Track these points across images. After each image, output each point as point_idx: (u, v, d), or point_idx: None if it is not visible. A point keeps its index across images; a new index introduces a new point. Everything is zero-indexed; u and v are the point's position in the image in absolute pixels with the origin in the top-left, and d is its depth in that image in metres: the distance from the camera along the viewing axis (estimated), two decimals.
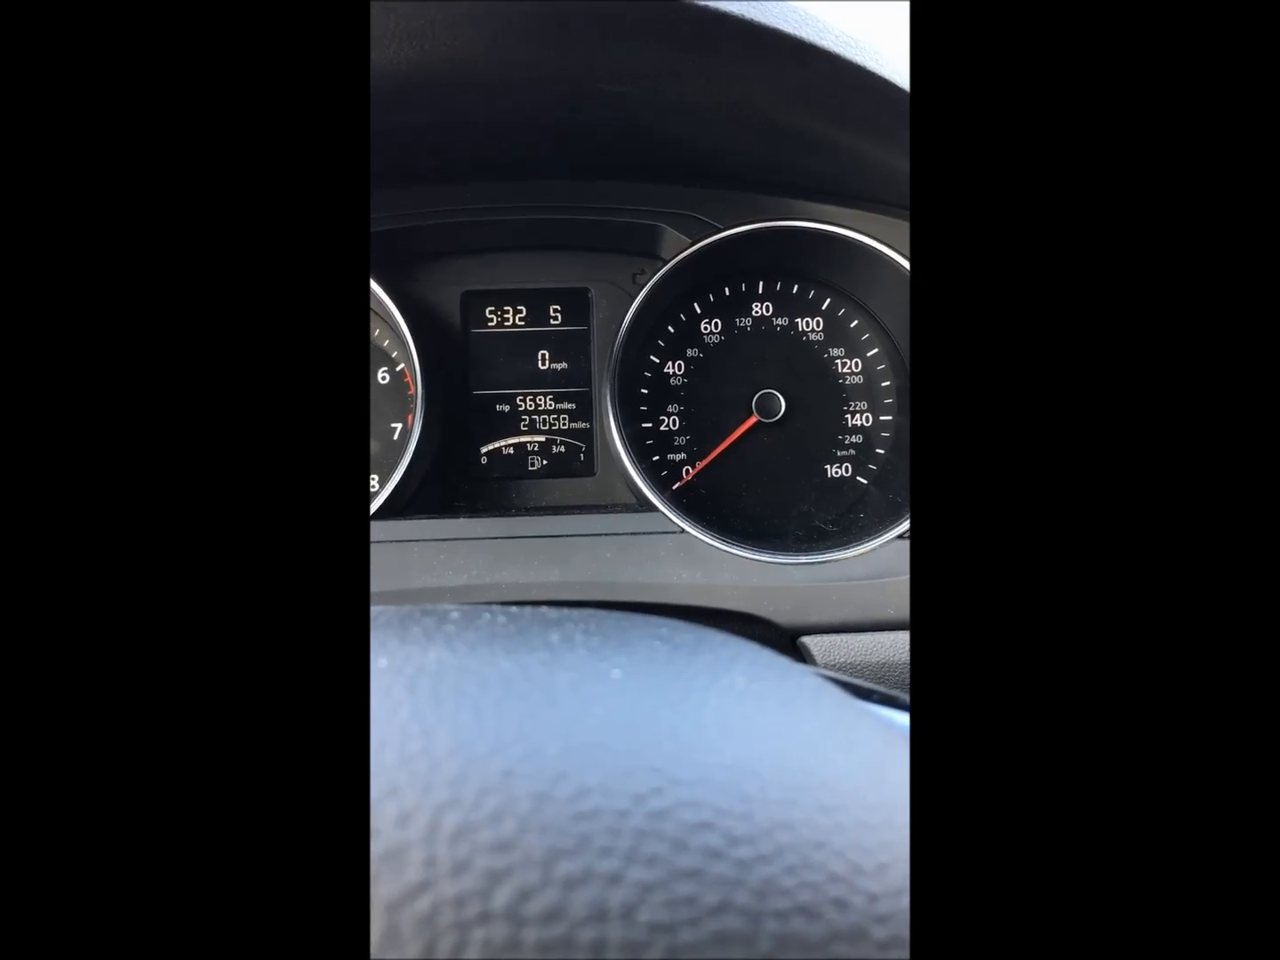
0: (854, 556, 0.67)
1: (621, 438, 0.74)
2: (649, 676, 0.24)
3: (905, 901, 0.18)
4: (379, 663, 0.22)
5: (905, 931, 0.18)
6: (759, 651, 0.26)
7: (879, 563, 0.67)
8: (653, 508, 0.71)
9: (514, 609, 0.28)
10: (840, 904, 0.18)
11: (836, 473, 0.81)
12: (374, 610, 0.25)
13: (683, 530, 0.70)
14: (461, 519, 0.71)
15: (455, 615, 0.27)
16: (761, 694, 0.24)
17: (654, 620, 0.28)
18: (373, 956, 0.16)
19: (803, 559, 0.67)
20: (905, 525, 0.68)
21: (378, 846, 0.17)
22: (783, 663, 0.26)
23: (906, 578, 0.65)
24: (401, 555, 0.67)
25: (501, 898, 0.17)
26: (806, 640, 0.65)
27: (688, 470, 0.80)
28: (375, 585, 0.65)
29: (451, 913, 0.16)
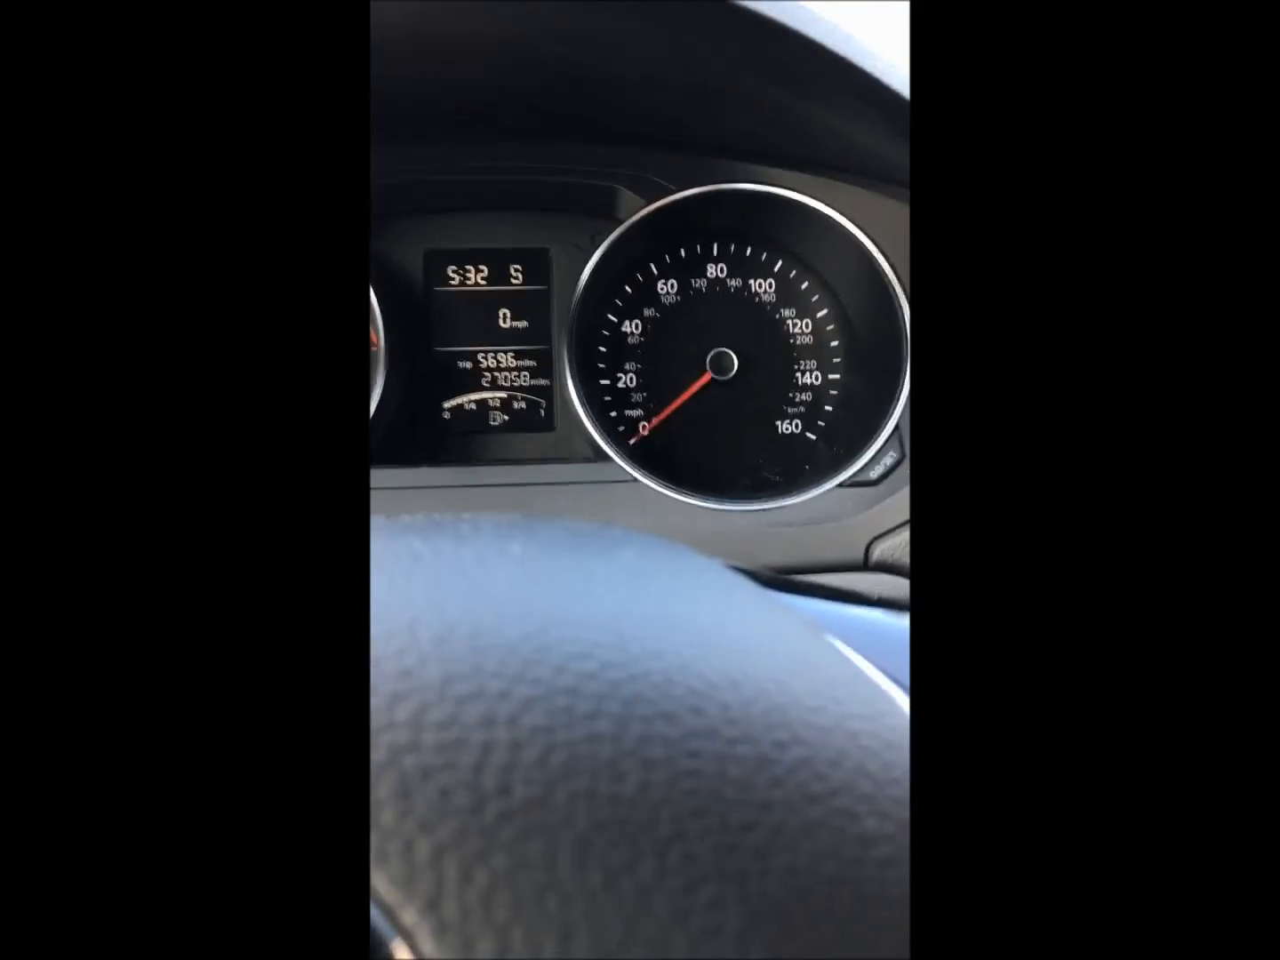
0: (797, 504, 0.70)
1: (579, 394, 0.76)
2: (547, 555, 0.27)
3: (751, 703, 0.21)
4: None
5: (753, 727, 0.21)
6: (656, 538, 0.29)
7: (820, 509, 0.70)
8: (609, 459, 0.74)
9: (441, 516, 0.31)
10: (696, 711, 0.21)
11: (787, 429, 0.84)
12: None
13: (636, 480, 0.73)
14: (423, 469, 0.74)
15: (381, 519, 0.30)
16: (652, 565, 0.27)
17: (561, 520, 0.31)
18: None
19: (748, 506, 0.70)
20: (846, 474, 0.71)
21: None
22: (679, 547, 0.29)
23: (844, 522, 0.69)
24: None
25: (402, 712, 0.20)
26: None
27: (644, 425, 0.83)
28: None
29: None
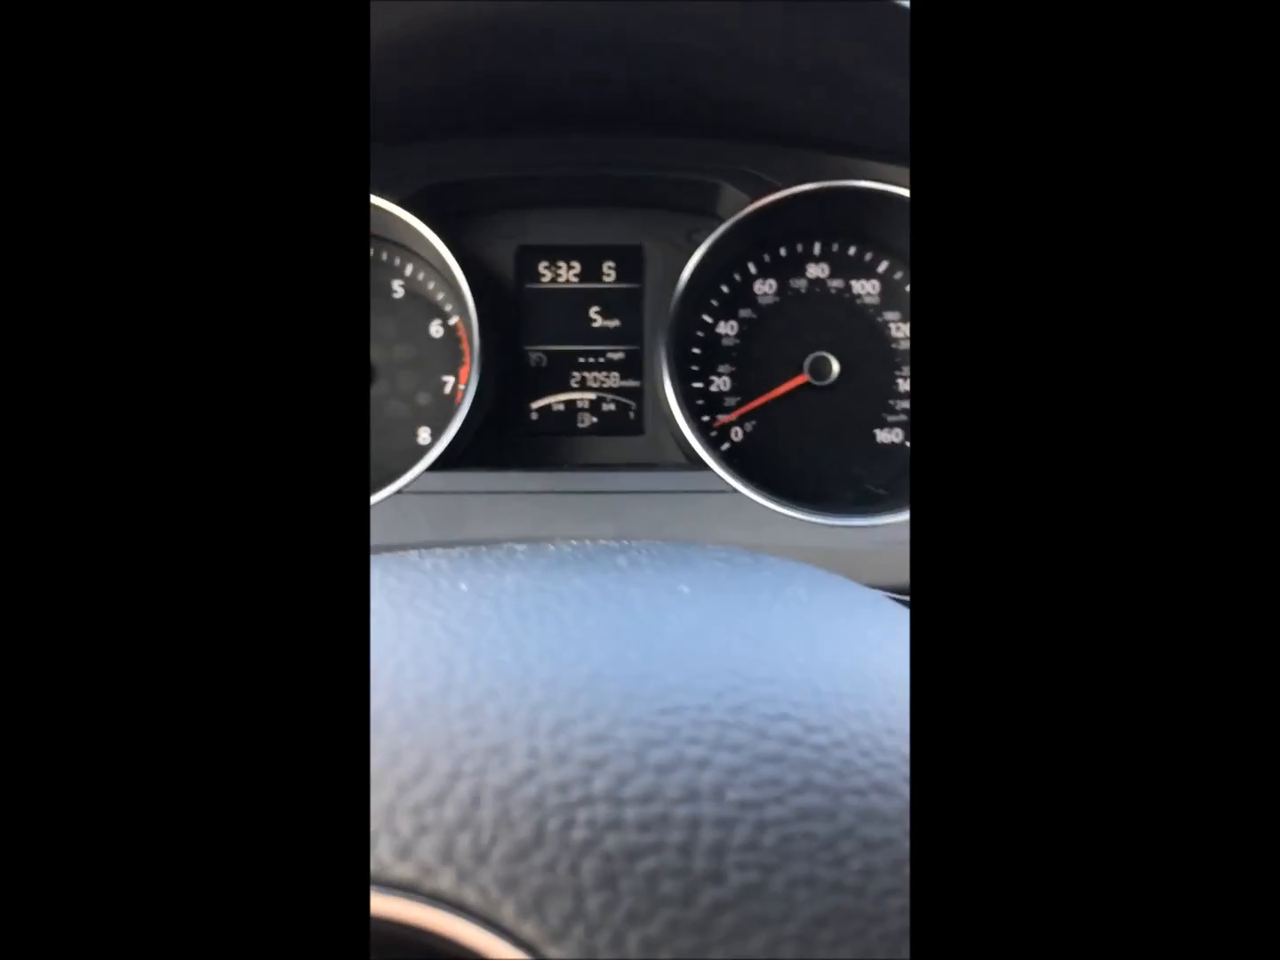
0: (905, 521, 0.67)
1: (674, 396, 0.74)
2: (715, 591, 0.24)
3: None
4: (459, 586, 0.23)
5: None
6: (814, 569, 0.27)
7: None
8: (703, 466, 0.72)
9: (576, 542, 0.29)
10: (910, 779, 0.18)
11: (888, 438, 0.81)
12: (449, 551, 0.26)
13: (733, 490, 0.70)
14: (514, 473, 0.72)
15: (521, 547, 0.27)
16: (823, 601, 0.24)
17: (710, 547, 0.29)
18: (487, 840, 0.17)
19: (854, 521, 0.67)
20: None
21: (480, 742, 0.18)
22: (837, 578, 0.26)
23: None
24: (458, 506, 0.68)
25: (600, 782, 0.17)
26: None
27: (735, 431, 0.80)
28: (431, 534, 0.67)
29: (556, 796, 0.17)
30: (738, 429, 0.81)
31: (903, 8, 0.58)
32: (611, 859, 0.17)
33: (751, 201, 0.73)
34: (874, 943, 0.17)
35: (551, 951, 0.16)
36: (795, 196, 0.73)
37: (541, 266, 0.81)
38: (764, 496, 0.69)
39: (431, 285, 0.79)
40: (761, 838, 0.17)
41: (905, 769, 0.19)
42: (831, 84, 0.68)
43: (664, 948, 0.16)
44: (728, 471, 0.71)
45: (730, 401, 0.81)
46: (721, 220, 0.75)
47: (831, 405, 0.80)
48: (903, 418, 0.81)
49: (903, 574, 0.65)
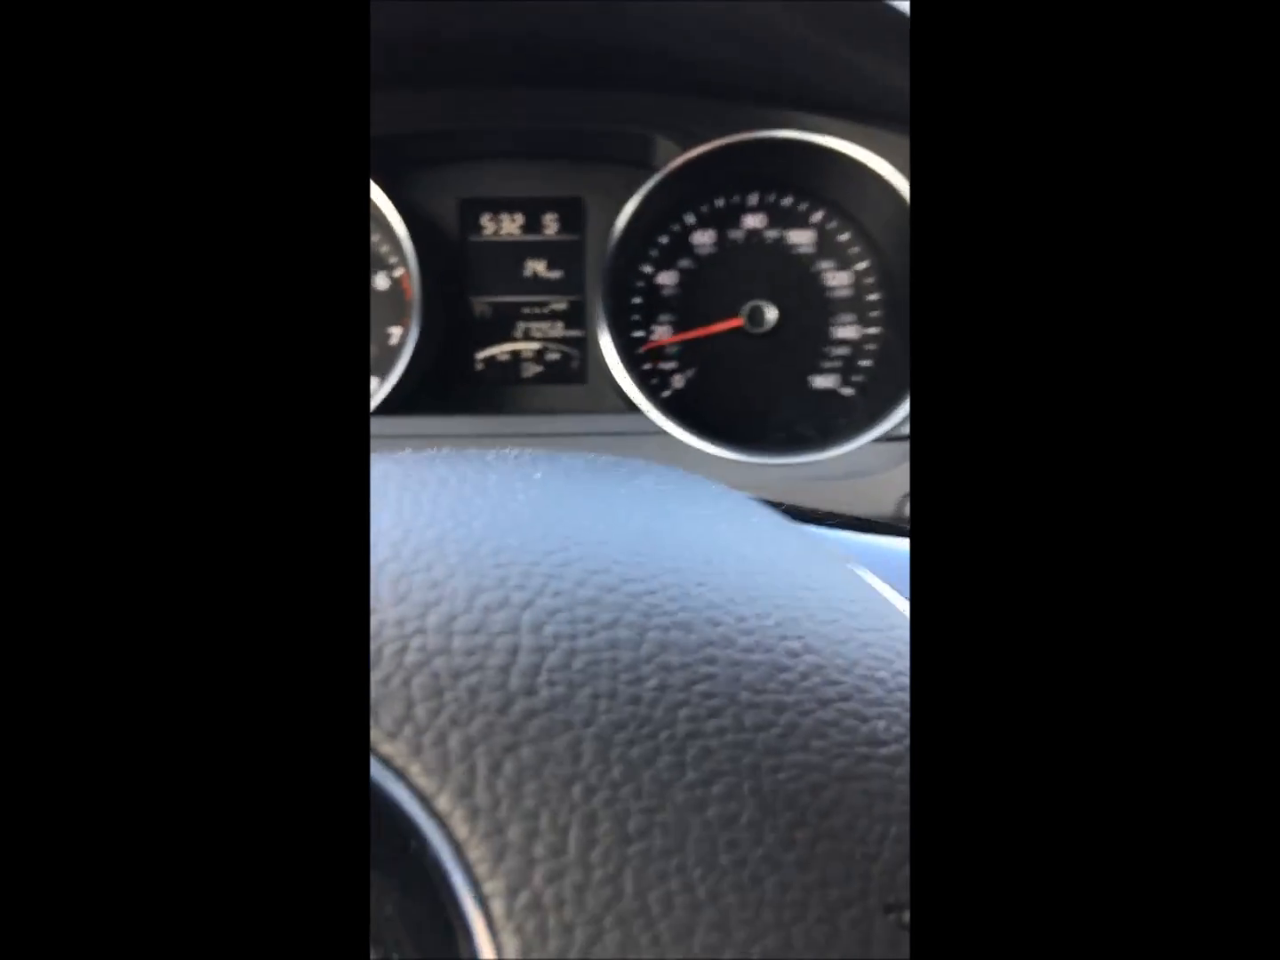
0: (831, 458, 0.70)
1: (612, 345, 0.76)
2: (566, 478, 0.27)
3: (765, 615, 0.22)
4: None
5: (767, 636, 0.21)
6: (677, 470, 0.30)
7: (853, 464, 0.69)
8: (641, 412, 0.74)
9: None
10: (712, 621, 0.21)
11: (823, 383, 0.83)
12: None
13: (667, 433, 0.72)
14: (456, 418, 0.75)
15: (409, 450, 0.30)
16: (668, 489, 0.27)
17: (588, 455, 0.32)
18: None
19: (781, 460, 0.70)
20: (880, 429, 0.70)
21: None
22: (697, 477, 0.29)
23: (881, 477, 0.68)
24: (400, 449, 0.70)
25: (432, 618, 0.20)
26: None
27: (677, 378, 0.83)
28: None
29: (393, 629, 0.20)
30: (678, 376, 0.83)
31: None
32: (438, 676, 0.19)
33: (682, 153, 0.75)
34: (662, 743, 0.19)
35: (384, 748, 0.19)
36: (725, 148, 0.75)
37: (484, 219, 0.83)
38: (696, 438, 0.71)
39: (376, 238, 0.81)
40: (571, 661, 0.20)
41: (710, 613, 0.21)
42: (758, 37, 0.70)
43: (480, 744, 0.19)
44: (664, 416, 0.73)
45: (671, 350, 0.83)
46: (656, 172, 0.77)
47: (769, 352, 0.83)
48: (837, 364, 0.83)
49: (823, 507, 0.68)
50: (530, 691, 0.19)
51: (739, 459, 0.70)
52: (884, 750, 0.20)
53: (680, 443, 0.72)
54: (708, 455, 0.71)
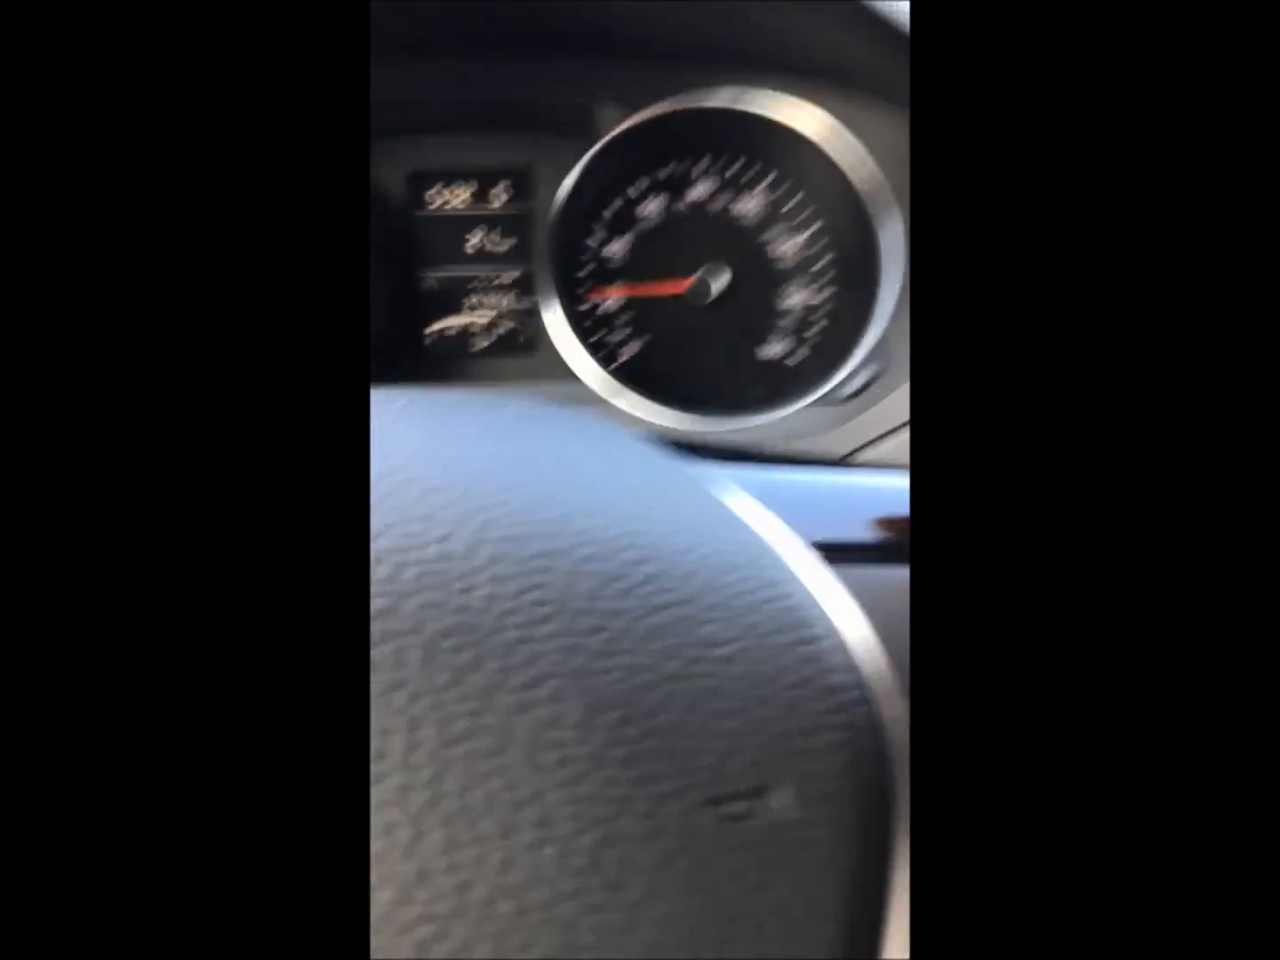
0: (773, 422, 0.70)
1: (560, 316, 0.76)
2: (437, 406, 0.27)
3: (606, 528, 0.22)
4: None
5: (606, 548, 0.21)
6: (554, 405, 0.30)
7: (795, 426, 0.69)
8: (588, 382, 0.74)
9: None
10: (550, 535, 0.22)
11: (775, 350, 0.83)
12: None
13: (613, 402, 0.73)
14: (403, 389, 0.75)
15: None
16: (533, 418, 0.27)
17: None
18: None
19: (724, 425, 0.70)
20: (821, 391, 0.70)
21: None
22: (566, 410, 0.29)
23: (819, 439, 0.68)
24: None
25: None
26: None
27: (626, 349, 0.83)
28: None
29: None
30: (628, 346, 0.83)
31: None
32: None
33: (625, 121, 0.75)
34: (489, 649, 0.19)
35: None
36: (668, 115, 0.75)
37: (432, 191, 0.83)
38: (642, 408, 0.72)
39: None
40: (400, 573, 0.20)
41: (548, 527, 0.22)
42: (704, 7, 0.70)
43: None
44: (610, 386, 0.73)
45: (621, 320, 0.83)
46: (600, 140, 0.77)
47: (718, 320, 0.83)
48: (788, 330, 0.83)
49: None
50: None
51: (682, 424, 0.70)
52: (718, 651, 0.20)
53: (624, 412, 0.72)
54: (653, 423, 0.71)
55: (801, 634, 0.21)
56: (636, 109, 0.75)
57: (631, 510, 0.23)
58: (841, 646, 0.22)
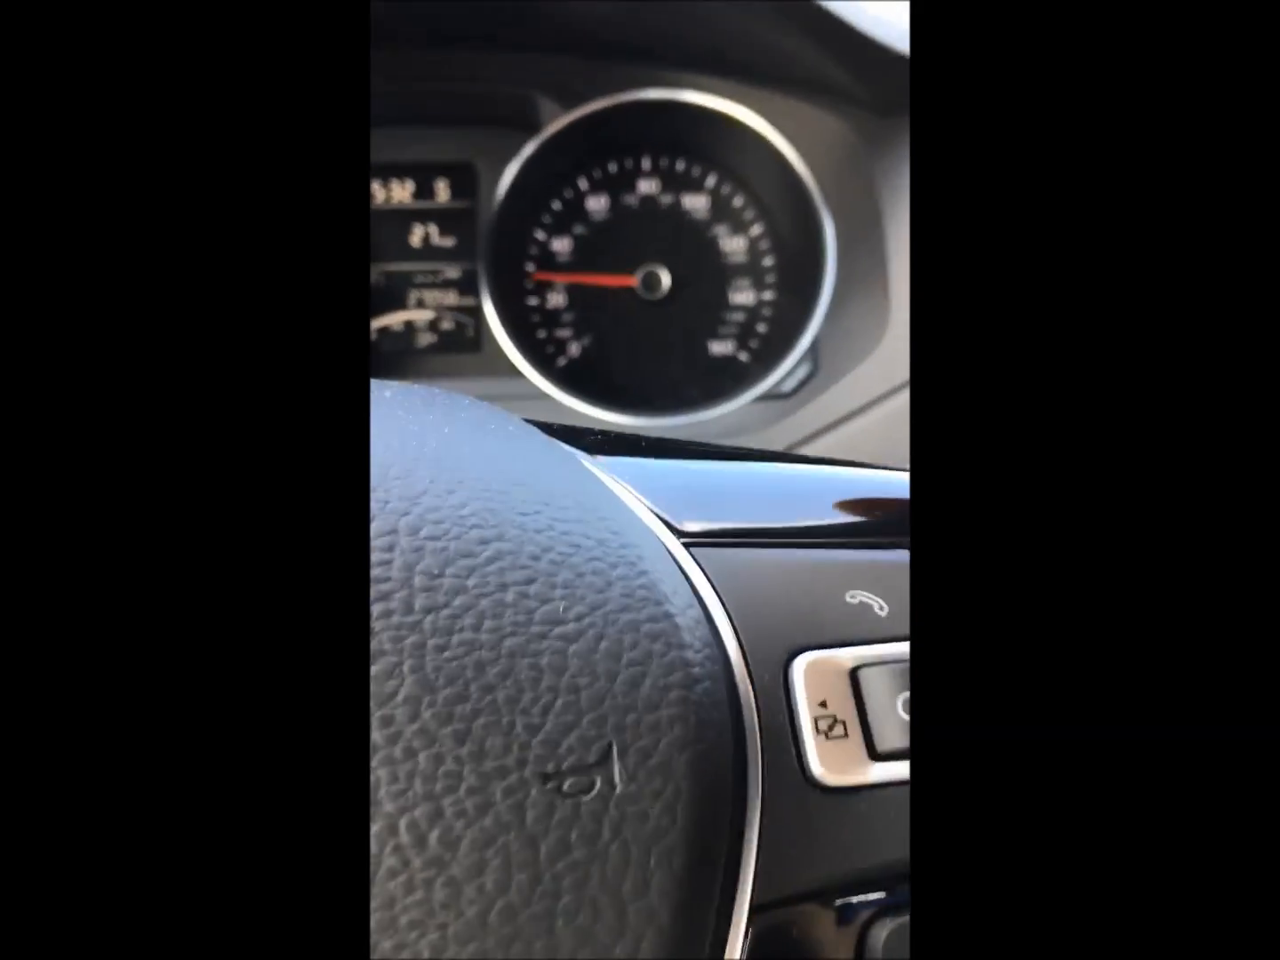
0: (714, 417, 0.70)
1: (498, 315, 0.76)
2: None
3: (461, 506, 0.22)
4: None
5: (458, 526, 0.21)
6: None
7: (735, 422, 0.70)
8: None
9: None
10: (402, 513, 0.21)
11: (720, 349, 0.84)
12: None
13: (554, 398, 0.73)
14: None
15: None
16: (427, 405, 0.27)
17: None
18: None
19: (665, 421, 0.70)
20: (761, 388, 0.71)
21: None
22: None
23: (758, 434, 0.69)
24: None
25: None
26: None
27: (573, 346, 0.83)
28: None
29: None
30: (574, 344, 0.83)
31: None
32: None
33: (566, 115, 0.75)
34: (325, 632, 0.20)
35: None
36: (612, 109, 0.75)
37: (375, 186, 0.82)
38: (585, 403, 0.72)
39: None
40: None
41: (399, 504, 0.21)
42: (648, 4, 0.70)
43: None
44: (551, 384, 0.73)
45: (566, 318, 0.83)
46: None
47: (665, 318, 0.83)
48: (734, 329, 0.84)
49: None
50: None
51: (623, 421, 0.71)
52: (560, 629, 0.20)
53: (568, 408, 0.72)
54: (595, 419, 0.72)
55: (651, 611, 0.21)
56: (577, 104, 0.75)
57: (491, 487, 0.23)
58: (692, 624, 0.21)
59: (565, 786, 0.19)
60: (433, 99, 0.79)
